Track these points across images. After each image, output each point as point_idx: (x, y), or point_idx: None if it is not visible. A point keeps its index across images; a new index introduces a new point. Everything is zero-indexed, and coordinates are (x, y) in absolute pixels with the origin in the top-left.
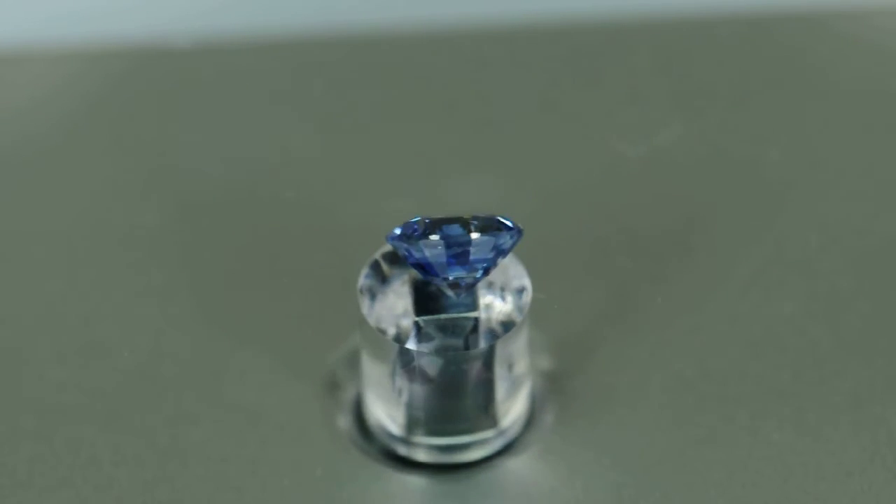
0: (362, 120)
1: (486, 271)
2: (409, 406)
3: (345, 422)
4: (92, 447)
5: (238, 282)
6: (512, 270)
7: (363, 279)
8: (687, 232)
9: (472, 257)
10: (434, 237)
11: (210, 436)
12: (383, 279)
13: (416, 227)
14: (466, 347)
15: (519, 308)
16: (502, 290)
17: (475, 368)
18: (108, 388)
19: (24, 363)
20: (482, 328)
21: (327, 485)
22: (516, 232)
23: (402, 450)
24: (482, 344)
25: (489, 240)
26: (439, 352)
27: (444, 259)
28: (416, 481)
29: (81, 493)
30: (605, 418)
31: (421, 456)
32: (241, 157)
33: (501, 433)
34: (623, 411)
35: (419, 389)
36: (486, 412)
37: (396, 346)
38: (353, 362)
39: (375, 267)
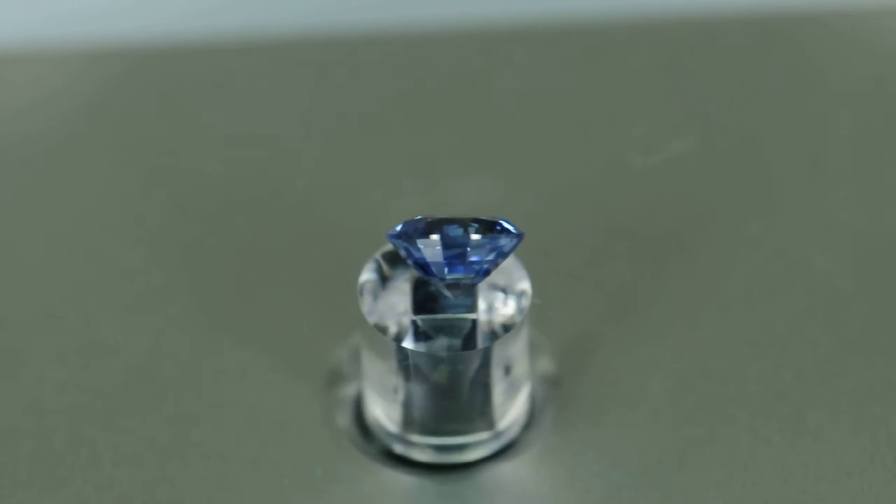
0: (362, 120)
1: (485, 273)
2: (406, 404)
3: (345, 421)
4: (92, 447)
5: (238, 281)
6: (512, 272)
7: (364, 276)
8: (687, 232)
9: (470, 259)
10: (433, 237)
11: (210, 436)
12: (386, 277)
13: (416, 225)
14: (464, 348)
15: (518, 310)
16: (502, 291)
17: (471, 369)
18: (108, 388)
19: (24, 363)
20: (480, 329)
21: (327, 484)
22: (517, 235)
23: (398, 448)
24: (480, 345)
25: (488, 242)
26: (435, 351)
27: (441, 259)
28: (416, 481)
29: (81, 493)
30: (605, 419)
31: (417, 455)
32: (241, 157)
33: (502, 434)
34: (623, 412)
35: (415, 388)
36: (482, 414)
37: (394, 344)
38: (354, 362)
39: (377, 264)
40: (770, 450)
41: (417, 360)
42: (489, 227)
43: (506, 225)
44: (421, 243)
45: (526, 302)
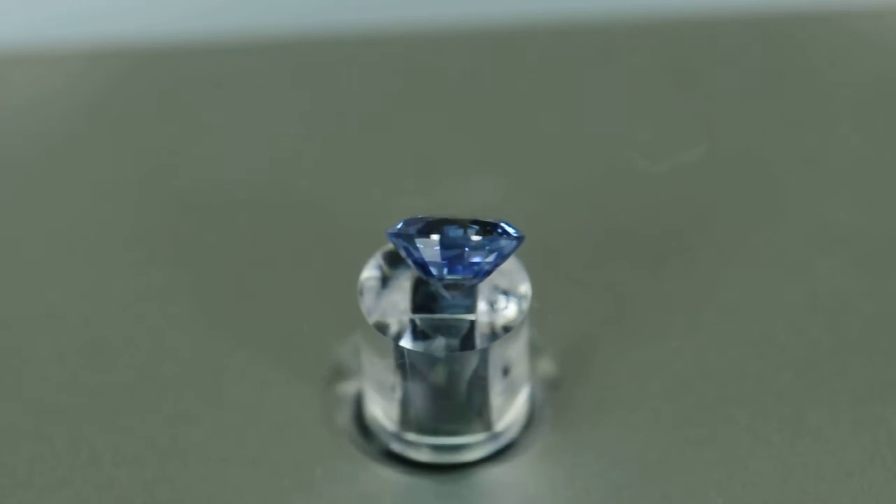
0: (363, 119)
1: (484, 275)
2: (403, 404)
3: (344, 421)
4: (92, 447)
5: (238, 281)
6: (512, 274)
7: (365, 275)
8: (687, 233)
9: (469, 260)
10: (433, 237)
11: (210, 436)
12: (387, 275)
13: (416, 224)
14: (462, 349)
15: (518, 312)
16: (502, 293)
17: (469, 370)
18: (108, 388)
19: (24, 363)
20: (479, 330)
21: (327, 484)
22: (517, 238)
23: (396, 447)
24: (478, 346)
25: (488, 244)
26: (433, 351)
27: (439, 259)
28: (416, 482)
29: (81, 493)
30: (605, 419)
31: (415, 454)
32: (241, 157)
33: (501, 434)
34: (623, 412)
35: (412, 387)
36: (480, 414)
37: (392, 342)
38: (354, 361)
39: (378, 263)
40: (770, 450)
41: (415, 359)
42: (489, 229)
43: (506, 227)
44: (420, 243)
45: (526, 304)
